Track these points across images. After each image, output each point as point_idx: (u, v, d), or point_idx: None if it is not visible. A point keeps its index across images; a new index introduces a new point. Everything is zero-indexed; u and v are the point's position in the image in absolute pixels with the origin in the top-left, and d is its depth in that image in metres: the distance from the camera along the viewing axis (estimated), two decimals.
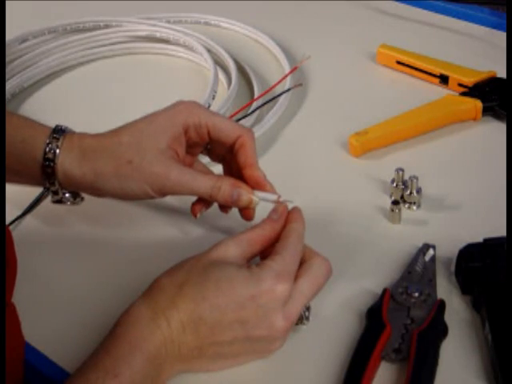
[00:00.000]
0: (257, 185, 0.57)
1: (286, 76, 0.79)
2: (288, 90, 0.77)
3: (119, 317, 0.49)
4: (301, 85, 0.78)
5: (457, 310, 0.54)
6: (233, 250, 0.51)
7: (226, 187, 0.56)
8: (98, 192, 0.58)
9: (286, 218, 0.55)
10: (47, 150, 0.57)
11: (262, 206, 0.57)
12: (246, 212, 0.58)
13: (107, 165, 0.56)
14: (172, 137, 0.57)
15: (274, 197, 0.57)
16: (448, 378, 0.49)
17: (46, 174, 0.57)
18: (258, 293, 0.49)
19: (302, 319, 0.52)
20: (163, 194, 0.57)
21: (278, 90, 0.78)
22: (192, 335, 0.48)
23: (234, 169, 0.59)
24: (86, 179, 0.57)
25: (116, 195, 0.58)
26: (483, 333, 0.51)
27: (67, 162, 0.57)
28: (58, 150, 0.57)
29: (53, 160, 0.57)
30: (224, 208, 0.60)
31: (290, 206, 0.56)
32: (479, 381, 0.49)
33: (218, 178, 0.57)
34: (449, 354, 0.51)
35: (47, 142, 0.57)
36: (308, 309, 0.53)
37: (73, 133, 0.59)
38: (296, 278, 0.51)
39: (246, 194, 0.56)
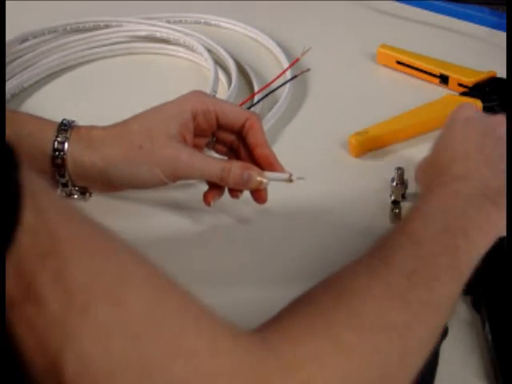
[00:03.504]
0: (268, 164, 0.58)
1: (288, 68, 0.80)
2: (295, 76, 0.78)
3: None
4: (309, 70, 0.78)
5: (457, 310, 0.54)
6: None
7: (236, 169, 0.56)
8: (107, 181, 0.58)
9: None
10: (56, 141, 0.57)
11: (275, 189, 0.58)
12: (258, 194, 0.58)
13: (117, 151, 0.56)
14: (181, 123, 0.57)
15: (285, 175, 0.57)
16: (448, 378, 0.49)
17: (56, 166, 0.57)
18: None
19: None
20: (174, 177, 0.57)
21: (280, 87, 0.78)
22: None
23: (242, 157, 0.60)
24: (96, 167, 0.57)
25: (126, 183, 0.58)
26: (483, 333, 0.51)
27: (76, 151, 0.57)
28: (66, 142, 0.57)
29: (62, 150, 0.57)
30: (234, 192, 0.60)
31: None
32: (479, 381, 0.49)
33: (227, 160, 0.58)
34: (449, 354, 0.50)
35: (55, 134, 0.57)
36: None
37: (80, 126, 0.59)
38: None
39: (256, 175, 0.57)
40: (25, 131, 0.58)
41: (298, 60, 0.81)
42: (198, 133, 0.59)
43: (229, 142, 0.61)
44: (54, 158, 0.57)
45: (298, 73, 0.79)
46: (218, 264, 0.60)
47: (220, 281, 0.58)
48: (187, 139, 0.58)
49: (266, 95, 0.76)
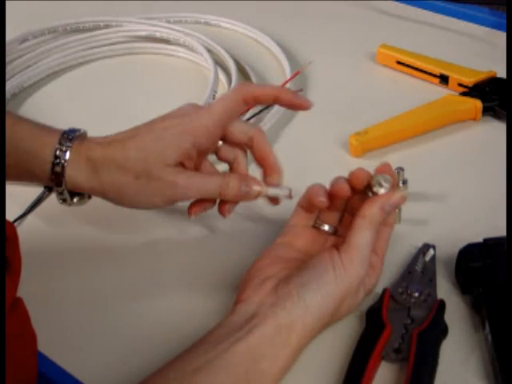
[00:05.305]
0: (271, 169, 0.59)
1: (287, 82, 0.79)
2: (293, 76, 0.78)
3: None
4: (301, 90, 0.78)
5: (457, 310, 0.54)
6: None
7: (234, 182, 0.56)
8: (107, 200, 0.58)
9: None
10: (55, 163, 0.56)
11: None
12: (222, 206, 0.58)
13: (115, 181, 0.56)
14: (180, 154, 0.56)
15: (285, 191, 0.58)
16: (448, 378, 0.49)
17: (56, 183, 0.57)
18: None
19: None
20: (173, 201, 0.57)
21: None
22: None
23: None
24: (95, 192, 0.57)
25: (125, 206, 0.58)
26: (483, 333, 0.51)
27: (75, 175, 0.57)
28: (65, 164, 0.56)
29: (61, 173, 0.56)
30: (224, 208, 0.59)
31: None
32: (479, 381, 0.49)
33: (224, 174, 0.58)
34: (449, 354, 0.51)
35: (54, 154, 0.56)
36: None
37: (80, 141, 0.57)
38: None
39: (254, 186, 0.57)
40: (25, 149, 0.57)
41: (298, 73, 0.80)
42: (202, 150, 0.58)
43: (231, 156, 0.60)
44: (52, 180, 0.57)
45: (294, 73, 0.79)
46: (217, 265, 0.60)
47: (220, 283, 0.58)
48: (186, 164, 0.57)
49: (260, 111, 0.74)
